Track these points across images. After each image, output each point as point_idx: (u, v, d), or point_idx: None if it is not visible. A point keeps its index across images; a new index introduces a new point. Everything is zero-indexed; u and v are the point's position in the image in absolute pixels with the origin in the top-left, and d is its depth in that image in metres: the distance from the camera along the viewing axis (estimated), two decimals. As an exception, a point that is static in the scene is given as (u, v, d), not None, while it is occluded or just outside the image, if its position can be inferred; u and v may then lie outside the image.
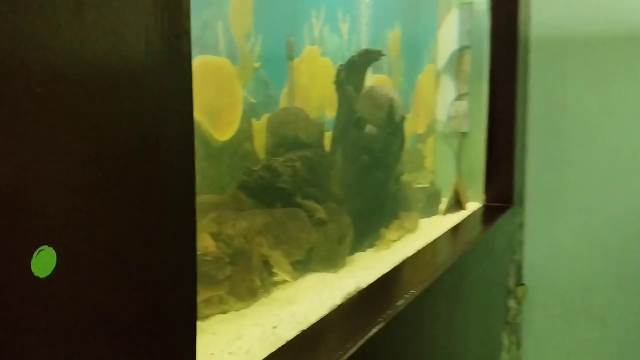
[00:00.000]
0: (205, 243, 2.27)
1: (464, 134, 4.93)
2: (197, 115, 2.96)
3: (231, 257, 2.30)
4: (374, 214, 3.15)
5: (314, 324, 2.10)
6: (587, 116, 5.20)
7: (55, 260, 0.61)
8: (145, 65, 0.74)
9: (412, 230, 3.59)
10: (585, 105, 5.19)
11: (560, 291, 5.15)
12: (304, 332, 2.02)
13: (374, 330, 1.71)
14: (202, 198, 2.54)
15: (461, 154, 4.93)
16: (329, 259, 2.76)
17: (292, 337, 1.98)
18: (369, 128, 3.11)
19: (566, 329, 5.02)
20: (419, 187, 4.25)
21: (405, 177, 3.72)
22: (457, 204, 4.46)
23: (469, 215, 4.35)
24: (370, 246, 3.18)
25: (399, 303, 2.25)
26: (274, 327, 2.06)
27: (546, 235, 5.24)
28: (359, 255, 3.10)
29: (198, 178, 2.84)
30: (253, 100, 2.96)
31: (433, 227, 3.85)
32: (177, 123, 0.87)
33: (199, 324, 2.27)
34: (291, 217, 2.59)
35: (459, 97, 4.92)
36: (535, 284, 5.25)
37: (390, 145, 3.10)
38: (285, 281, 2.49)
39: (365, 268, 2.85)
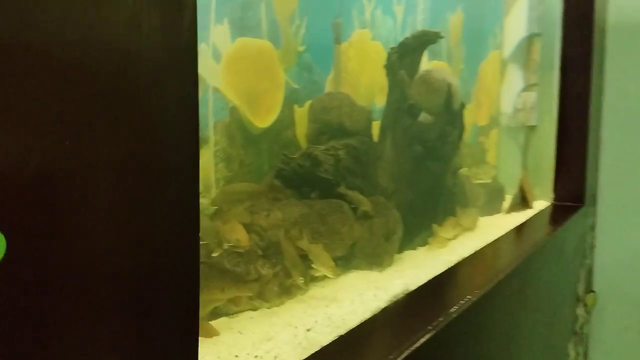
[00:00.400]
0: (237, 234, 2.11)
1: (531, 128, 4.60)
2: (236, 100, 2.84)
3: (264, 250, 2.14)
4: (426, 209, 2.90)
5: (354, 328, 1.88)
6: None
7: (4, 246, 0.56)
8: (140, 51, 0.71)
9: (470, 228, 3.32)
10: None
11: (634, 300, 4.76)
12: (341, 337, 1.81)
13: (423, 339, 1.59)
14: (236, 187, 2.39)
15: (528, 149, 4.60)
16: (374, 256, 2.54)
17: (328, 342, 1.77)
18: (424, 116, 2.86)
19: (638, 342, 4.64)
20: (479, 183, 3.97)
21: (465, 172, 3.45)
22: (522, 202, 4.13)
23: (535, 214, 4.02)
24: (422, 244, 2.94)
25: (452, 310, 2.02)
26: (308, 330, 1.87)
27: (620, 239, 4.85)
28: (408, 254, 2.87)
29: (234, 166, 2.71)
30: (296, 86, 2.80)
31: (494, 226, 3.56)
32: (177, 111, 0.84)
33: (224, 320, 2.14)
34: (332, 209, 2.40)
35: (527, 87, 4.59)
36: (606, 292, 4.88)
37: (447, 135, 2.85)
38: (323, 278, 2.30)
39: (415, 268, 2.62)
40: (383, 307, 2.06)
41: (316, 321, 1.92)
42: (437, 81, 2.84)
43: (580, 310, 4.68)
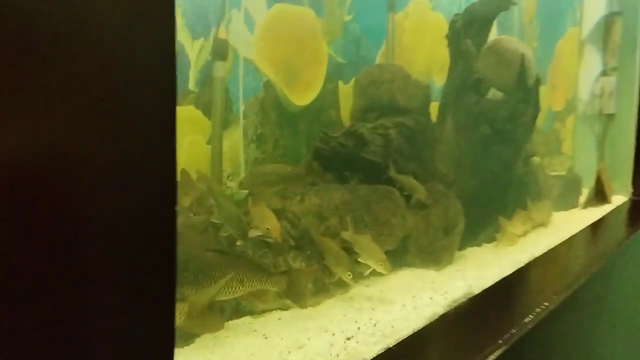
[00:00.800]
0: (267, 222, 1.82)
1: (609, 116, 4.12)
2: (271, 74, 2.56)
3: (297, 240, 1.84)
4: (493, 201, 2.52)
5: (405, 339, 1.52)
6: None
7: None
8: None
9: (542, 223, 2.92)
10: None
11: None
12: (389, 350, 1.45)
13: (492, 356, 1.31)
14: (267, 168, 2.12)
15: (605, 139, 4.12)
16: (431, 252, 2.19)
17: (372, 356, 1.42)
18: (492, 93, 2.48)
19: None
20: (554, 175, 3.56)
21: (538, 161, 3.04)
22: (599, 196, 3.67)
23: (613, 210, 3.55)
24: (488, 240, 2.56)
25: (526, 320, 1.66)
26: (348, 339, 1.52)
27: None
28: (472, 251, 2.49)
29: (267, 147, 2.43)
30: (341, 60, 2.51)
31: (569, 222, 3.13)
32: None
33: (247, 320, 1.66)
34: (380, 196, 2.07)
35: (606, 71, 4.11)
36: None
37: (520, 115, 2.45)
38: (369, 276, 1.98)
39: (480, 267, 2.24)
40: (441, 313, 1.73)
41: (358, 328, 1.60)
42: (508, 52, 2.45)
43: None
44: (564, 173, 3.75)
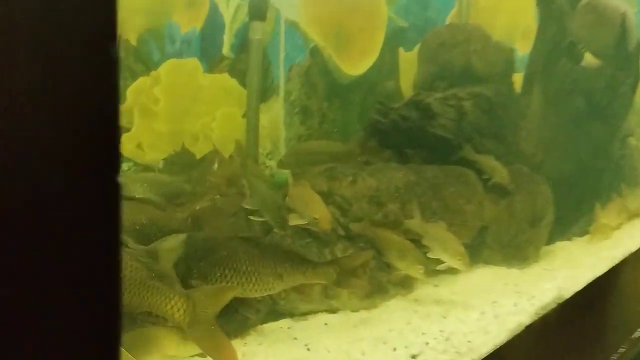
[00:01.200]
0: (313, 209, 1.49)
1: None
2: (320, 39, 2.25)
3: (347, 229, 1.51)
4: (587, 187, 2.12)
5: (486, 357, 1.25)
6: None
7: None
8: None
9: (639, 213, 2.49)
10: None
11: None
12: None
13: None
14: (312, 145, 1.82)
15: None
16: (514, 247, 1.83)
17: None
18: (589, 57, 2.06)
19: None
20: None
21: (634, 143, 2.59)
22: None
23: None
24: (580, 233, 2.16)
25: (637, 334, 1.30)
26: (414, 358, 1.23)
27: None
28: (561, 246, 2.10)
29: (313, 122, 2.12)
30: (402, 24, 2.17)
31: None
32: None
33: (285, 323, 1.40)
34: (451, 178, 1.73)
35: None
36: None
37: (618, 85, 2.03)
38: (438, 273, 1.62)
39: (571, 266, 1.88)
40: (527, 323, 1.44)
41: (427, 343, 1.30)
42: (607, 10, 2.03)
43: None
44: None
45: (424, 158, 1.79)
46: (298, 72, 2.12)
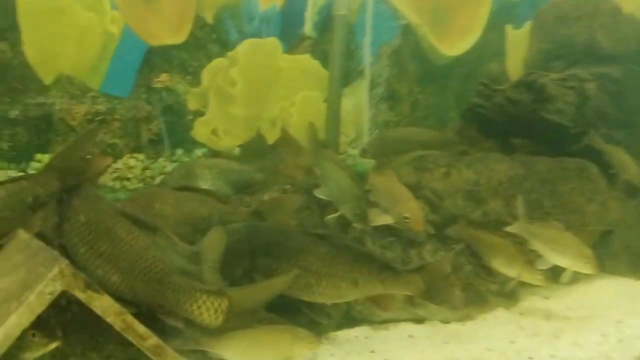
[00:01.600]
0: (404, 207, 1.26)
1: None
2: (413, 16, 2.01)
3: (438, 228, 1.28)
4: None
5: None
6: None
7: None
8: None
9: None
10: None
11: None
12: None
13: None
14: (400, 132, 1.62)
15: None
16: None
17: None
18: None
19: None
20: None
21: None
22: None
23: None
24: None
25: None
26: None
27: None
28: None
29: (403, 107, 1.91)
30: None
31: None
32: None
33: (362, 332, 1.24)
34: (569, 172, 1.48)
35: None
36: None
37: None
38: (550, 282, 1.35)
39: None
40: None
41: None
42: None
43: None
44: None
45: (535, 148, 1.52)
46: (387, 52, 1.93)
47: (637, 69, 1.63)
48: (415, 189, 1.41)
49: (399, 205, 1.29)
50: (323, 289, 1.10)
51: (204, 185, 1.51)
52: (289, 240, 1.18)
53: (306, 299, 1.11)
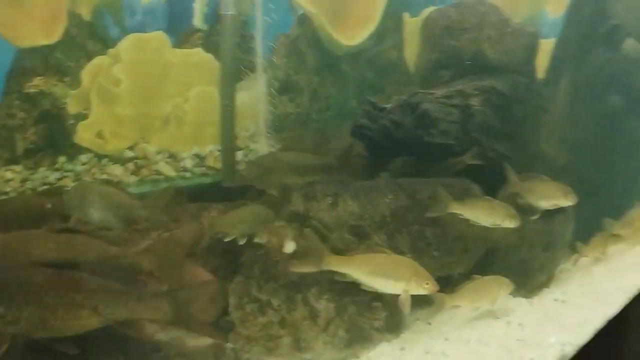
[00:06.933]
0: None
1: None
2: (309, 6, 1.92)
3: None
4: (619, 192, 1.84)
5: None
6: None
7: None
8: None
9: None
10: None
11: None
12: None
13: None
14: (280, 157, 1.58)
15: None
16: (524, 273, 1.57)
17: None
18: (631, 46, 1.70)
19: None
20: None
21: None
22: None
23: None
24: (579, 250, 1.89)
25: None
26: None
27: None
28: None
29: (302, 99, 1.85)
30: None
31: None
32: None
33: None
34: (455, 195, 1.47)
35: None
36: None
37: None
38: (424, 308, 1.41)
39: (588, 298, 1.61)
40: None
41: None
42: None
43: None
44: None
45: (421, 169, 1.51)
46: (285, 43, 1.85)
47: (523, 80, 1.61)
48: (304, 219, 1.41)
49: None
50: (61, 322, 1.07)
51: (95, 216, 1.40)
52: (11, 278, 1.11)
53: (45, 335, 1.07)
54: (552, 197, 1.55)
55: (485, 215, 1.45)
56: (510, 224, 1.46)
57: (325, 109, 1.92)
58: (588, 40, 1.57)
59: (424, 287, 1.32)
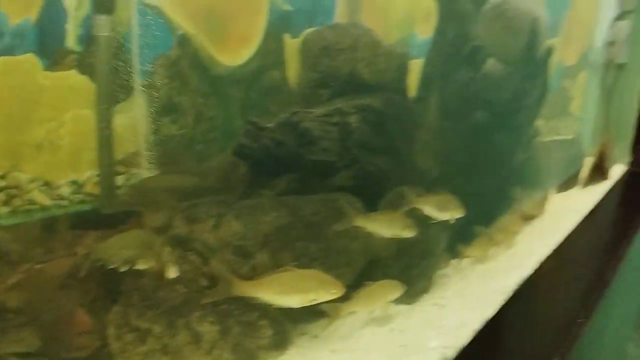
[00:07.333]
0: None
1: (620, 66, 3.51)
2: (189, 26, 1.92)
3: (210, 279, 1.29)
4: (489, 200, 1.97)
5: None
6: None
7: None
8: None
9: (536, 216, 2.43)
10: None
11: None
12: None
13: None
14: (160, 180, 1.55)
15: (614, 93, 3.53)
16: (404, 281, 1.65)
17: None
18: (492, 66, 1.85)
19: None
20: (558, 140, 3.02)
21: (541, 125, 2.45)
22: (599, 170, 3.14)
23: (611, 188, 3.03)
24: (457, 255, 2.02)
25: None
26: None
27: None
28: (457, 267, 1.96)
29: (186, 120, 1.83)
30: (286, 7, 1.90)
31: (567, 209, 2.62)
32: None
33: None
34: (334, 210, 1.52)
35: (622, 15, 3.47)
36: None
37: (525, 96, 1.84)
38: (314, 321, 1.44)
39: (463, 305, 1.69)
40: None
41: None
42: (518, 15, 1.80)
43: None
44: (571, 137, 3.16)
45: (304, 187, 1.55)
46: (165, 64, 1.82)
47: (397, 97, 1.70)
48: (187, 242, 1.40)
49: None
50: None
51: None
52: None
53: None
54: (446, 209, 1.67)
55: (386, 227, 1.54)
56: (408, 234, 1.56)
57: (209, 129, 1.90)
58: (452, 60, 1.68)
59: (332, 293, 1.37)
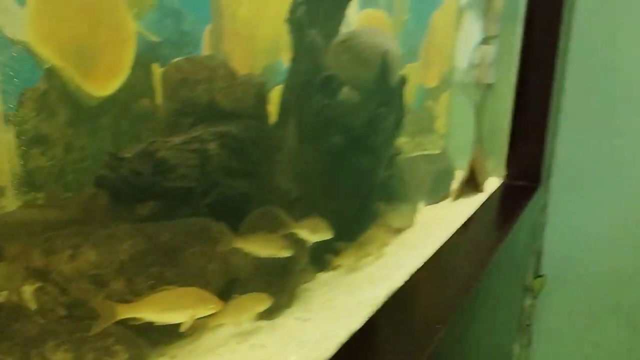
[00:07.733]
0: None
1: (488, 86, 3.83)
2: (56, 59, 1.94)
3: (69, 309, 1.31)
4: (352, 217, 2.10)
5: None
6: (638, 78, 4.05)
7: None
8: None
9: (403, 228, 2.57)
10: (638, 66, 4.03)
11: (584, 283, 4.24)
12: None
13: None
14: (22, 214, 1.55)
15: (483, 111, 3.83)
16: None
17: None
18: (347, 94, 1.99)
19: (585, 327, 4.17)
20: (425, 155, 3.23)
21: (406, 142, 2.64)
22: (472, 183, 3.39)
23: (486, 200, 3.25)
24: (334, 267, 2.14)
25: None
26: None
27: (573, 219, 4.20)
28: (317, 289, 2.05)
29: (56, 151, 1.84)
30: (154, 38, 1.96)
31: (438, 221, 2.78)
32: None
33: None
34: (192, 236, 1.58)
35: (486, 40, 3.79)
36: (555, 275, 4.33)
37: (381, 120, 2.00)
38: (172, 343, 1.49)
39: (328, 319, 1.78)
40: None
41: None
42: (367, 49, 1.96)
43: (527, 301, 4.12)
44: (437, 152, 3.40)
45: (163, 214, 1.60)
46: (33, 97, 1.83)
47: (255, 123, 1.80)
48: (45, 274, 1.41)
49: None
50: None
51: None
52: None
53: None
54: (317, 231, 1.78)
55: (263, 247, 1.62)
56: (285, 253, 1.65)
57: (80, 160, 1.92)
58: (308, 87, 1.80)
59: (210, 308, 1.44)
